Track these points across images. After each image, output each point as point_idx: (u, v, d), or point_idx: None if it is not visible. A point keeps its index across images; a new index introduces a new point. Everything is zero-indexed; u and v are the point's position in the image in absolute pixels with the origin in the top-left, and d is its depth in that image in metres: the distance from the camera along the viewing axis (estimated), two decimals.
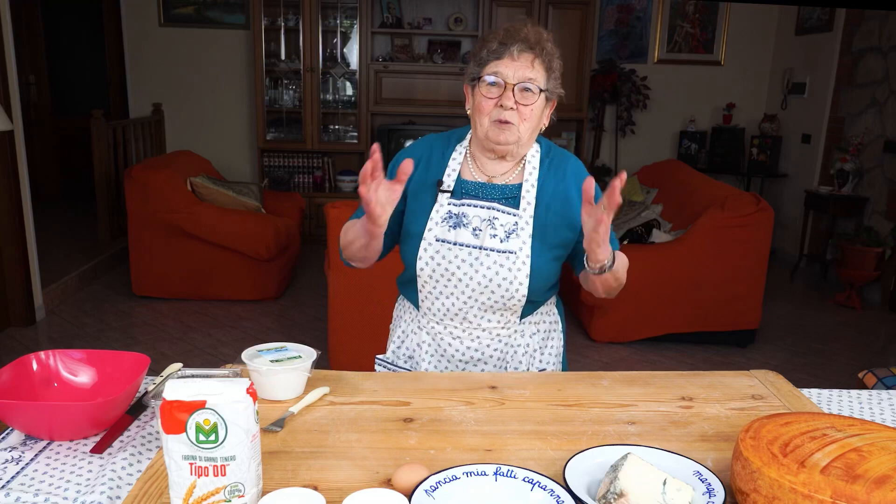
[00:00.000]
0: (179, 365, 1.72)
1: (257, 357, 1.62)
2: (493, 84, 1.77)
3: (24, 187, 4.76)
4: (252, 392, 1.15)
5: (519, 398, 1.65)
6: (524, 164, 1.89)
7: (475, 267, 1.80)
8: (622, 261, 1.81)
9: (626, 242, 5.07)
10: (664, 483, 1.17)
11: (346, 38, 7.14)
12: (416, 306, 1.96)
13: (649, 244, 4.86)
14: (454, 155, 1.90)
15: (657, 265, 4.60)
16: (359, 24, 6.92)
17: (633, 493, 1.15)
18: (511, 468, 1.26)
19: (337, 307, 3.90)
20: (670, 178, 5.88)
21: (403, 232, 1.90)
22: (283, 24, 6.95)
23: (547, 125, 1.90)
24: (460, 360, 1.92)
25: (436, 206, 1.85)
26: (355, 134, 7.26)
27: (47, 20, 8.25)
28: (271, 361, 1.60)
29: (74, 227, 7.14)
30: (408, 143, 1.98)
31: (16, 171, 4.65)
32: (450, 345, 1.91)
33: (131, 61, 7.33)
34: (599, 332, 4.76)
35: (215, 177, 5.93)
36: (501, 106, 1.76)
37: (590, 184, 1.57)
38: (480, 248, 1.80)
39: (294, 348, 1.68)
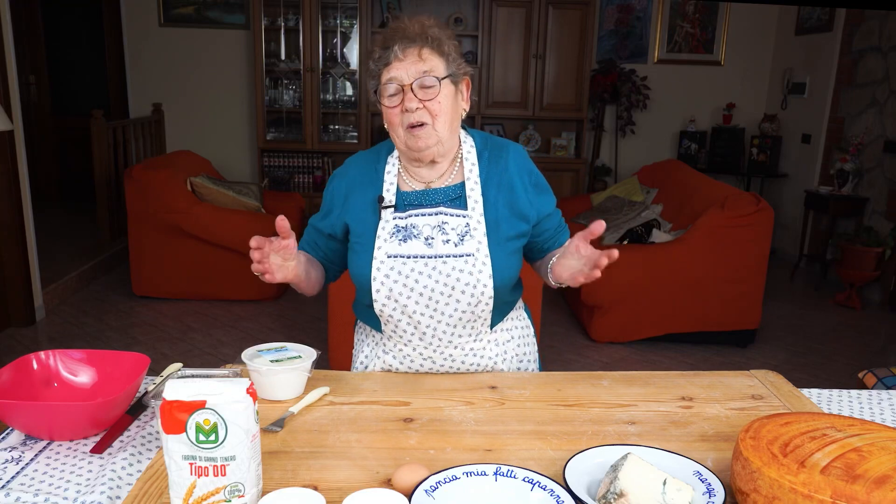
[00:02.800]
0: (179, 365, 1.72)
1: (257, 357, 1.63)
2: (393, 93, 1.69)
3: (24, 187, 4.76)
4: (252, 392, 1.16)
5: (519, 398, 1.66)
6: (460, 162, 1.81)
7: (434, 277, 1.70)
8: None
9: (625, 242, 5.08)
10: (664, 483, 1.18)
11: (346, 38, 7.14)
12: (379, 330, 1.85)
13: (649, 244, 4.87)
14: (388, 168, 1.81)
15: (657, 265, 4.61)
16: (359, 23, 6.91)
17: (633, 492, 1.16)
18: (511, 468, 1.26)
19: (337, 307, 3.89)
20: (670, 178, 5.89)
21: (352, 256, 1.81)
22: (283, 23, 6.95)
23: (468, 109, 1.80)
24: None
25: (381, 224, 1.75)
26: (355, 134, 7.26)
27: (47, 20, 8.25)
28: (271, 361, 1.60)
29: (74, 227, 7.14)
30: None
31: (16, 170, 4.65)
32: (421, 366, 1.82)
33: (131, 61, 7.33)
34: (599, 332, 4.77)
35: (215, 177, 5.94)
36: (408, 110, 1.67)
37: (599, 226, 1.51)
38: (436, 257, 1.71)
39: (294, 348, 1.68)
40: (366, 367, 1.91)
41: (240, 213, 5.36)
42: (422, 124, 1.68)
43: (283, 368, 1.58)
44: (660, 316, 4.71)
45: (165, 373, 1.67)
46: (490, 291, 1.72)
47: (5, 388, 1.42)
